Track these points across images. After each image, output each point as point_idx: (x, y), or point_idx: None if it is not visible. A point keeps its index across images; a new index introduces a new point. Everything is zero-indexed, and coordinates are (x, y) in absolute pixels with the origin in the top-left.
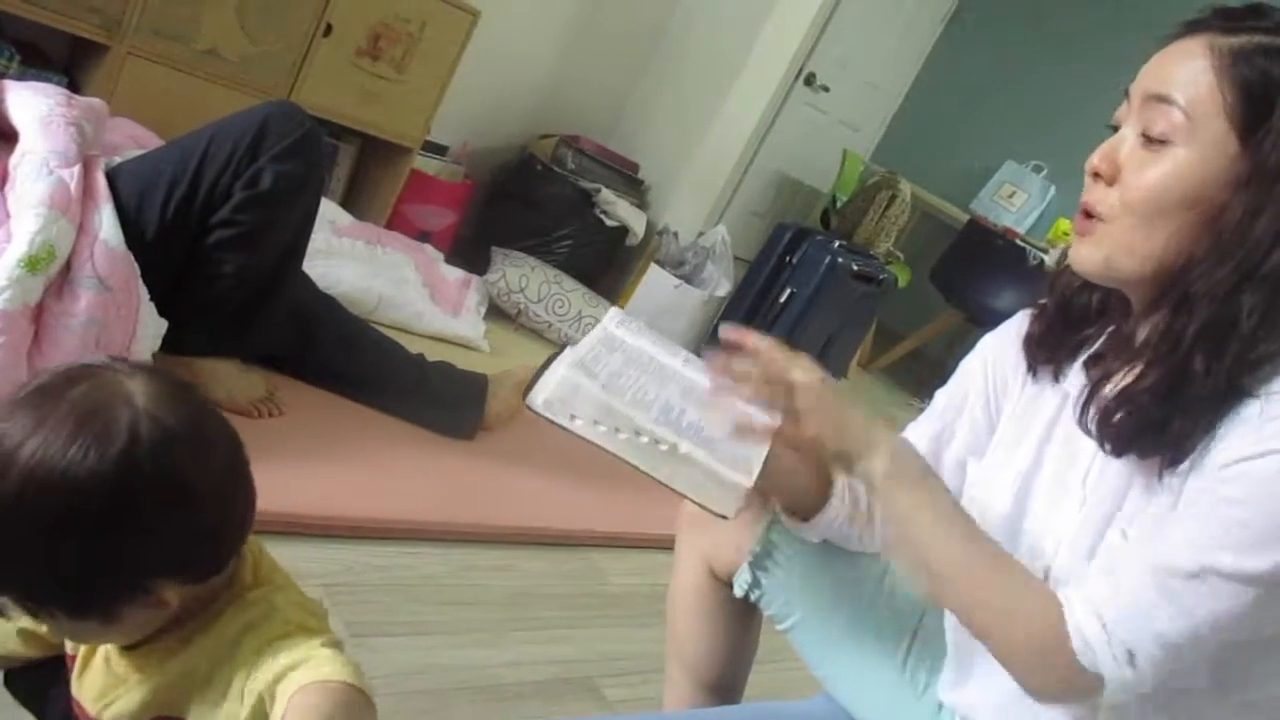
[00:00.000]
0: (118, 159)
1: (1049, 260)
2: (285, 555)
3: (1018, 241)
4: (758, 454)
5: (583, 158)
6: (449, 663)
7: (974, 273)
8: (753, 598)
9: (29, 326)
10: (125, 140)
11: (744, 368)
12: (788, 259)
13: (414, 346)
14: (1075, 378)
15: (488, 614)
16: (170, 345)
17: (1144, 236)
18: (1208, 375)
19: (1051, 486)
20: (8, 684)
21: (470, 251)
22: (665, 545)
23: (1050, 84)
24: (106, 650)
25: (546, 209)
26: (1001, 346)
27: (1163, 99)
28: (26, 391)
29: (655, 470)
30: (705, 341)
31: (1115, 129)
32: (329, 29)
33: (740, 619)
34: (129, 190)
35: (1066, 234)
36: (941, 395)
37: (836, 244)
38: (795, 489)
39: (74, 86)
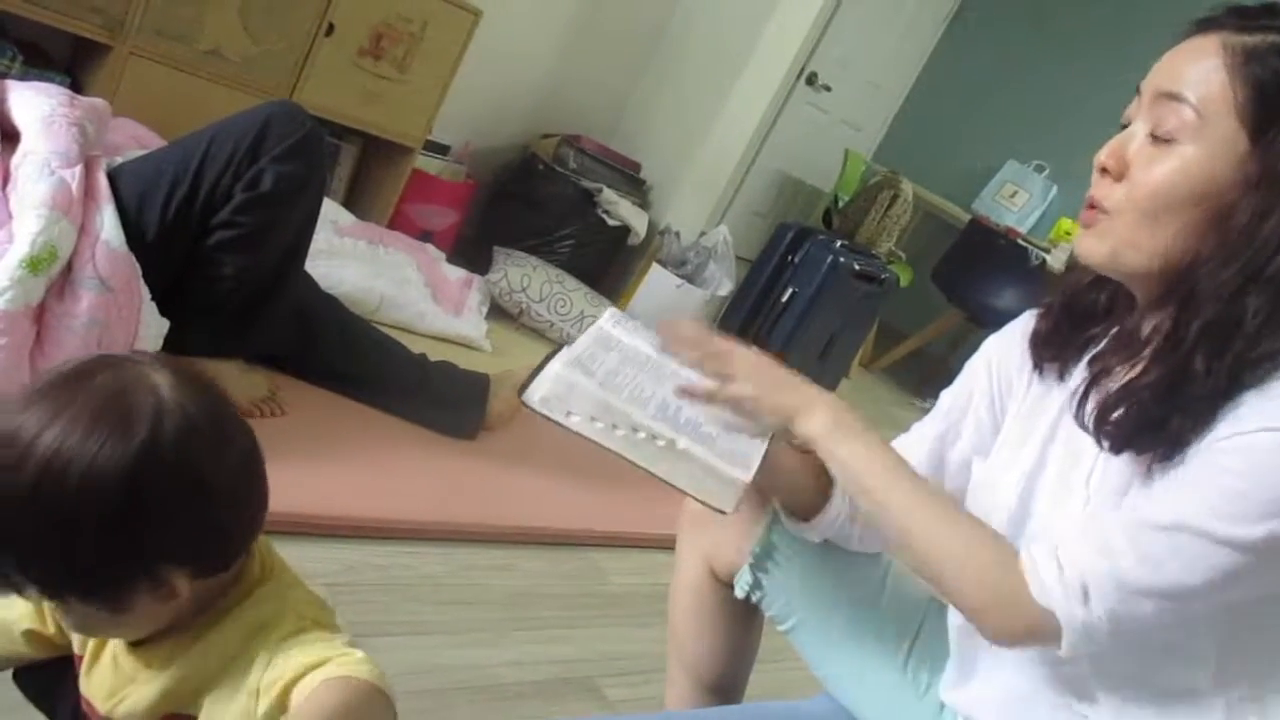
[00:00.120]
0: (119, 159)
1: (1050, 260)
2: (286, 555)
3: (1019, 241)
4: (756, 450)
5: (584, 157)
6: (449, 662)
7: (976, 272)
8: (753, 598)
9: (31, 327)
10: (127, 140)
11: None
12: (790, 259)
13: (416, 346)
14: (1080, 376)
15: (488, 614)
16: (172, 345)
17: (1149, 232)
18: (1208, 375)
19: (1055, 486)
20: (17, 681)
21: (472, 251)
22: (666, 545)
23: (1052, 83)
24: (114, 649)
25: (548, 209)
26: (1006, 346)
27: (1174, 96)
28: (47, 380)
29: (653, 466)
30: None
31: (1125, 125)
32: (331, 29)
33: (741, 619)
34: (130, 191)
35: (1068, 234)
36: (946, 396)
37: (838, 244)
38: (795, 489)
39: (76, 87)
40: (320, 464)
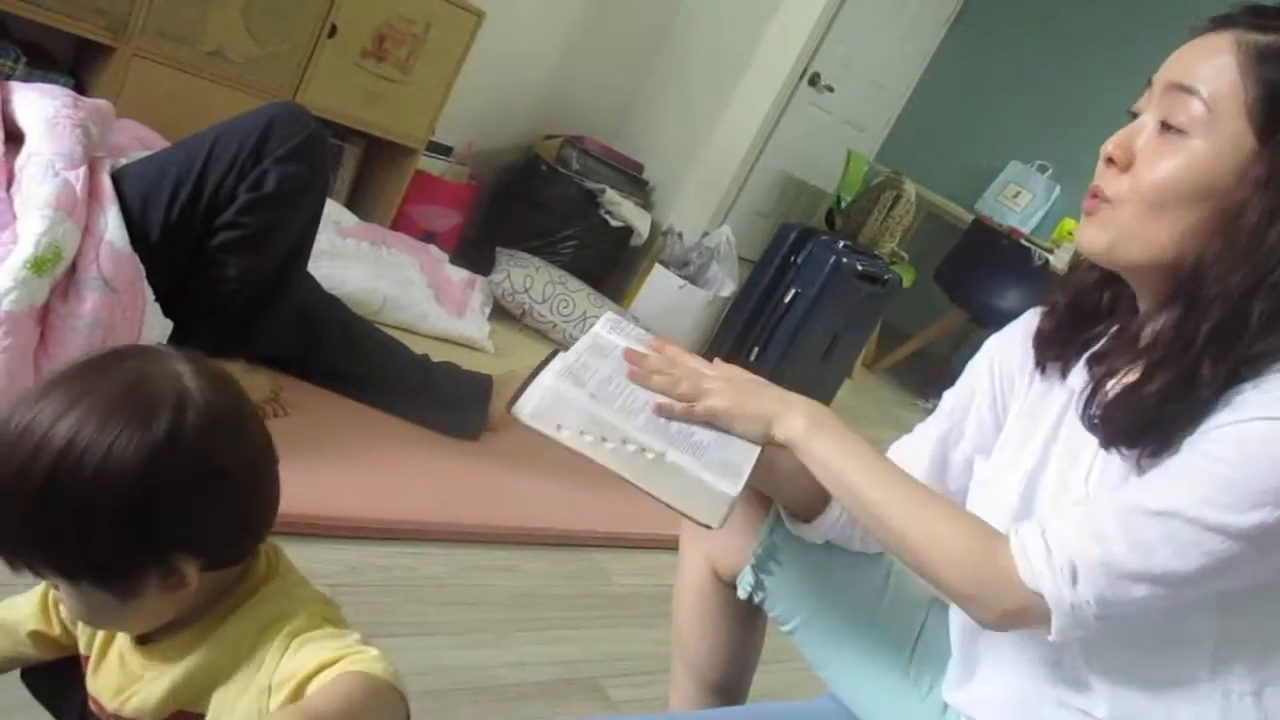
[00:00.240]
0: (123, 160)
1: (1054, 261)
2: (289, 555)
3: (1022, 242)
4: (749, 458)
5: (587, 158)
6: (452, 663)
7: (979, 273)
8: (756, 599)
9: (35, 328)
10: (131, 142)
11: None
12: (792, 259)
13: (419, 347)
14: (1080, 375)
15: (491, 614)
16: (175, 346)
17: (1151, 225)
18: (1213, 378)
19: (1056, 485)
20: (25, 681)
21: (475, 252)
22: (669, 546)
23: (1055, 84)
24: (120, 647)
25: (551, 209)
26: (1008, 346)
27: (1185, 89)
28: (66, 369)
29: (641, 480)
30: (709, 345)
31: (1135, 116)
32: (334, 30)
33: (744, 620)
34: (134, 192)
35: (1071, 234)
36: (949, 396)
37: (841, 244)
38: (797, 491)
39: (80, 88)
40: (323, 464)
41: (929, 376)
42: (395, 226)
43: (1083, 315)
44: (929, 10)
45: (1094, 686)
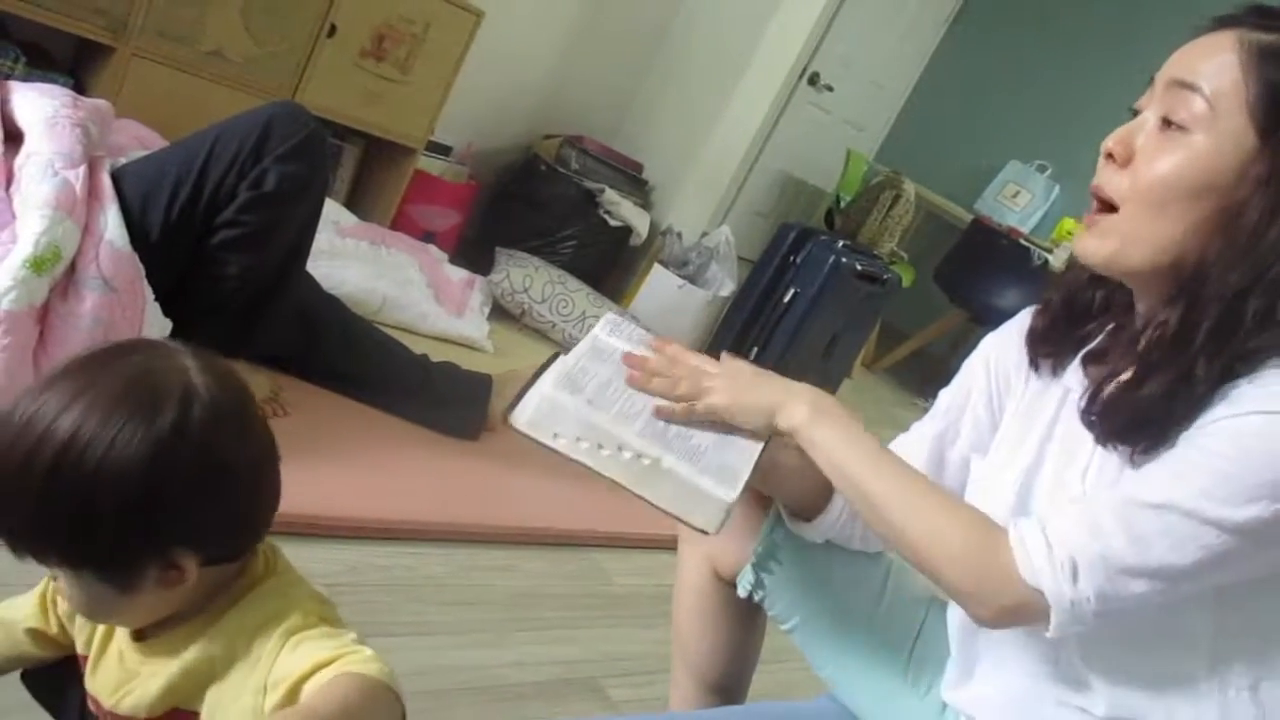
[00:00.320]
0: (123, 160)
1: (1053, 260)
2: (288, 555)
3: (1022, 241)
4: (747, 461)
5: (587, 158)
6: (452, 663)
7: (978, 273)
8: (756, 598)
9: (35, 327)
10: (130, 141)
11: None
12: (791, 259)
13: (418, 347)
14: (1074, 373)
15: (491, 614)
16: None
17: (1151, 225)
18: (1208, 375)
19: (1052, 484)
20: (25, 682)
21: (474, 252)
22: (669, 546)
23: (1055, 83)
24: (120, 645)
25: (550, 209)
26: (1004, 345)
27: (1187, 85)
28: (71, 362)
29: (637, 487)
30: (708, 345)
31: (1136, 113)
32: (333, 30)
33: (744, 619)
34: (134, 191)
35: (1070, 234)
36: (945, 395)
37: (840, 244)
38: (797, 489)
39: (79, 88)
40: (322, 464)
41: (928, 376)
42: (394, 226)
43: (1076, 313)
44: (928, 10)
45: (1092, 685)
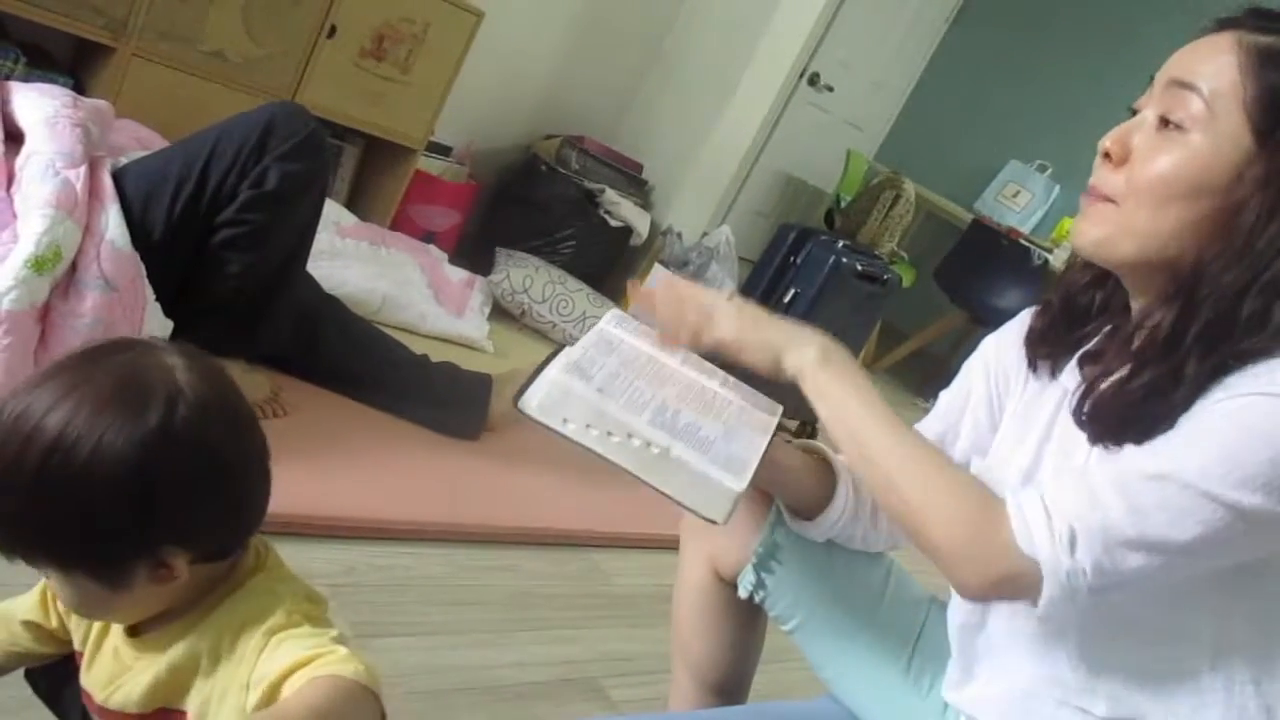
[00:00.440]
0: (123, 160)
1: (1053, 260)
2: (287, 555)
3: (1022, 241)
4: (754, 453)
5: (587, 158)
6: (451, 663)
7: (978, 273)
8: (757, 598)
9: (35, 327)
10: (130, 142)
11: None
12: (792, 259)
13: (418, 347)
14: (1072, 374)
15: (490, 614)
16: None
17: (1145, 220)
18: (1197, 375)
19: None
20: (29, 680)
21: (474, 252)
22: (669, 546)
23: (1055, 83)
24: (115, 641)
25: (550, 209)
26: (1003, 346)
27: (1185, 85)
28: (60, 361)
29: (646, 474)
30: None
31: (1135, 113)
32: (333, 30)
33: (745, 620)
34: (135, 191)
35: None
36: (945, 396)
37: (840, 244)
38: (799, 488)
39: (79, 88)
40: (322, 464)
41: (928, 376)
42: (394, 226)
43: (1074, 315)
44: (929, 9)
45: (1093, 684)
